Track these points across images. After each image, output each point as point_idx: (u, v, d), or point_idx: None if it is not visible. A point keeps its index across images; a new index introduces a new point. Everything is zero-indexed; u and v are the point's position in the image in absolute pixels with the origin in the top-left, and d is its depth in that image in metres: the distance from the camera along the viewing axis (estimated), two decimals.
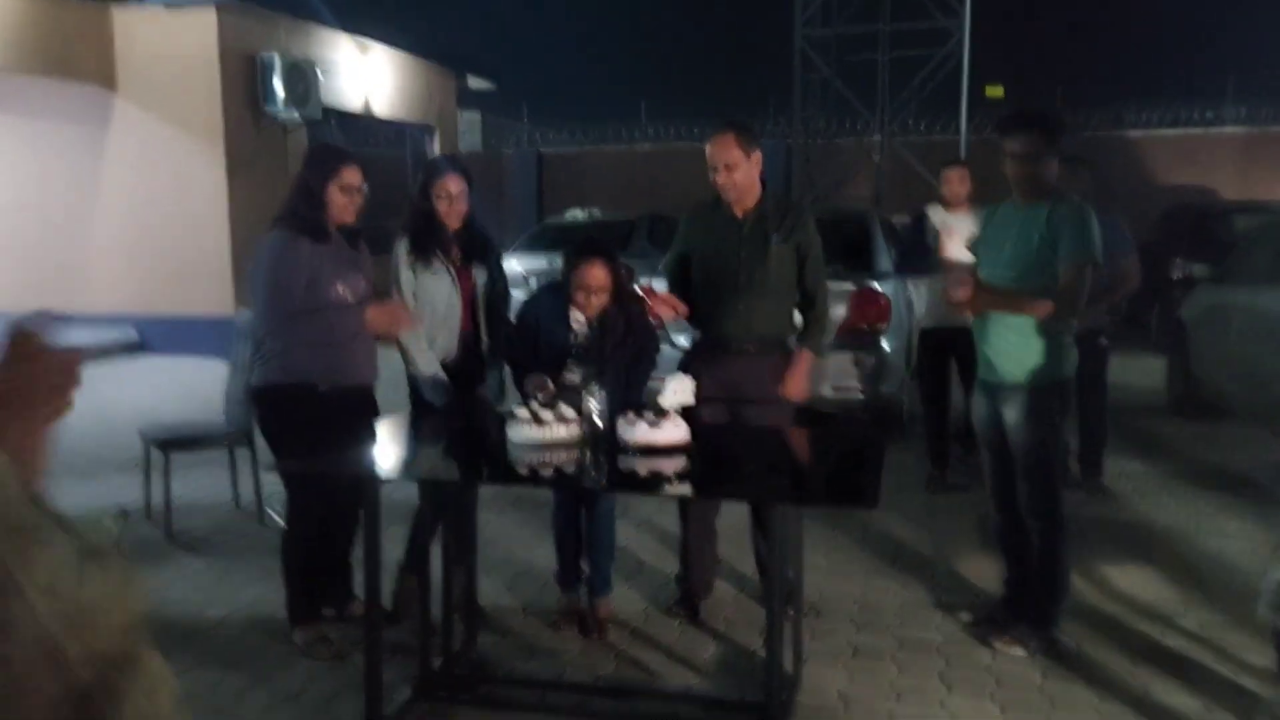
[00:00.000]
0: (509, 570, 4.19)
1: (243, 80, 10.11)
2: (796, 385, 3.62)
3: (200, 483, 5.37)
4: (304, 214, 3.26)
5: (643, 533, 4.68)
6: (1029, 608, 3.47)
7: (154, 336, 10.27)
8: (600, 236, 3.51)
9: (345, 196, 3.27)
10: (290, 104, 10.28)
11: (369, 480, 2.89)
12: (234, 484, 5.03)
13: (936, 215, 5.46)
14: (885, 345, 6.18)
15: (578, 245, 3.46)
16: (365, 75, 12.22)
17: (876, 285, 6.24)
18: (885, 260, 6.85)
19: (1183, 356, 7.30)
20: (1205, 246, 9.21)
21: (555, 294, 3.51)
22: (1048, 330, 3.32)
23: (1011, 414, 3.39)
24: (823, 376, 5.95)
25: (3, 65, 9.11)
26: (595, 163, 16.98)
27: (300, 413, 3.26)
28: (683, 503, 3.72)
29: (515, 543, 4.49)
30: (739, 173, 3.49)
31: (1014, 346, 3.37)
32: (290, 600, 3.43)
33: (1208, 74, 15.47)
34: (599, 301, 3.40)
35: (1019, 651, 3.40)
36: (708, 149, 3.53)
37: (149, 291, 10.09)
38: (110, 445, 6.23)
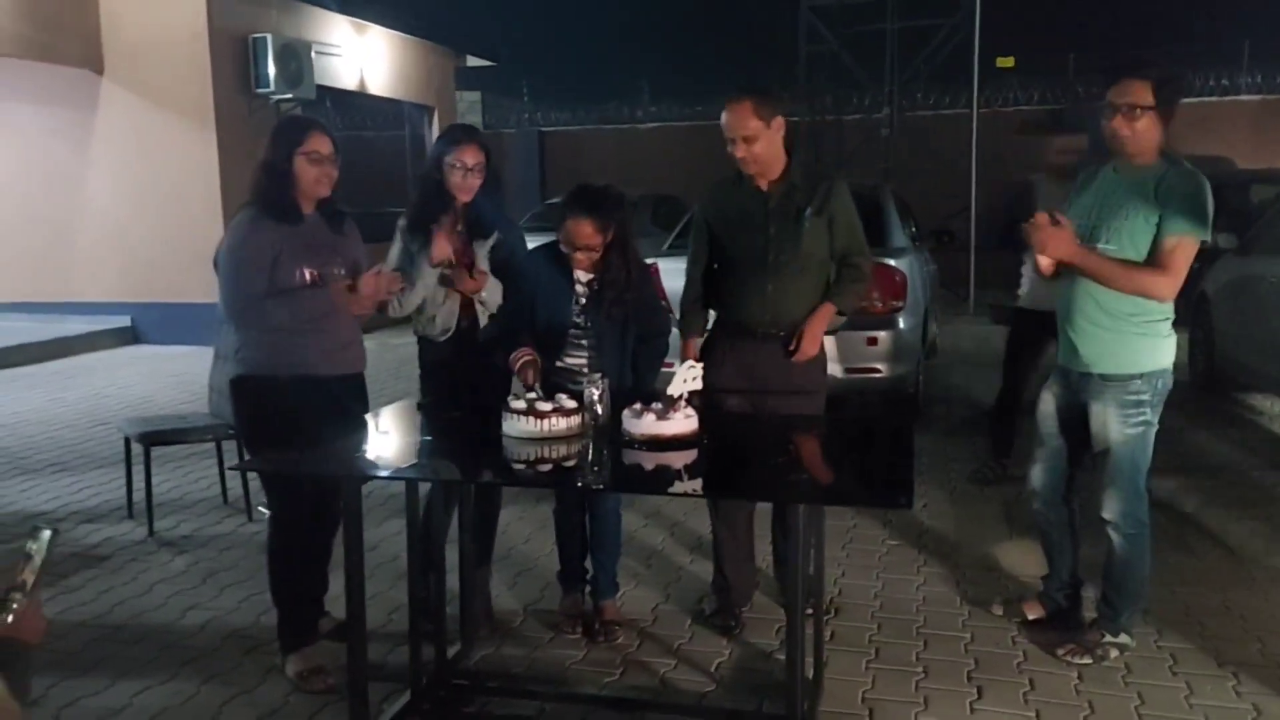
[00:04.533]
0: (510, 567, 3.96)
1: (234, 61, 9.86)
2: (810, 340, 3.25)
3: (187, 477, 5.16)
4: (271, 193, 2.98)
5: (653, 524, 4.46)
6: (1103, 611, 3.21)
7: (147, 325, 10.05)
8: (591, 189, 3.19)
9: (315, 167, 2.98)
10: (283, 85, 10.04)
11: (346, 479, 2.65)
12: (221, 478, 4.82)
13: (1044, 187, 4.88)
14: (901, 324, 5.94)
15: (565, 199, 3.20)
16: (361, 55, 11.94)
17: (892, 262, 5.98)
18: (900, 236, 6.59)
19: (1206, 331, 7.04)
20: (1224, 216, 8.90)
21: (552, 254, 3.25)
22: (1143, 313, 2.97)
23: (1098, 408, 3.07)
24: (835, 356, 5.71)
25: None
26: (598, 142, 16.66)
27: (263, 407, 3.00)
28: (713, 501, 3.45)
29: (517, 537, 4.26)
30: (759, 144, 3.16)
31: (1104, 331, 3.01)
32: (281, 623, 3.13)
33: (1222, 41, 15.06)
34: (590, 257, 3.16)
35: (1086, 660, 3.15)
36: (723, 119, 3.19)
37: (141, 278, 9.87)
38: (97, 439, 6.02)
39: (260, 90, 9.95)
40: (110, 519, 4.62)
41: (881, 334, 5.87)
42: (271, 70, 9.91)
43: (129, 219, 9.91)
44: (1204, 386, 6.98)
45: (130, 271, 9.97)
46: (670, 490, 2.94)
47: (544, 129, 17.15)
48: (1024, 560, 3.88)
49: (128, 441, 4.57)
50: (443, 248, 3.25)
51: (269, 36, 9.91)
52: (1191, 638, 3.32)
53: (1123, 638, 3.20)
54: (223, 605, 3.65)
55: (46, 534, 1.38)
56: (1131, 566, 3.16)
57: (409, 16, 12.69)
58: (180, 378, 8.00)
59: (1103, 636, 3.20)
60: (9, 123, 10.34)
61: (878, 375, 5.88)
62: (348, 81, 11.74)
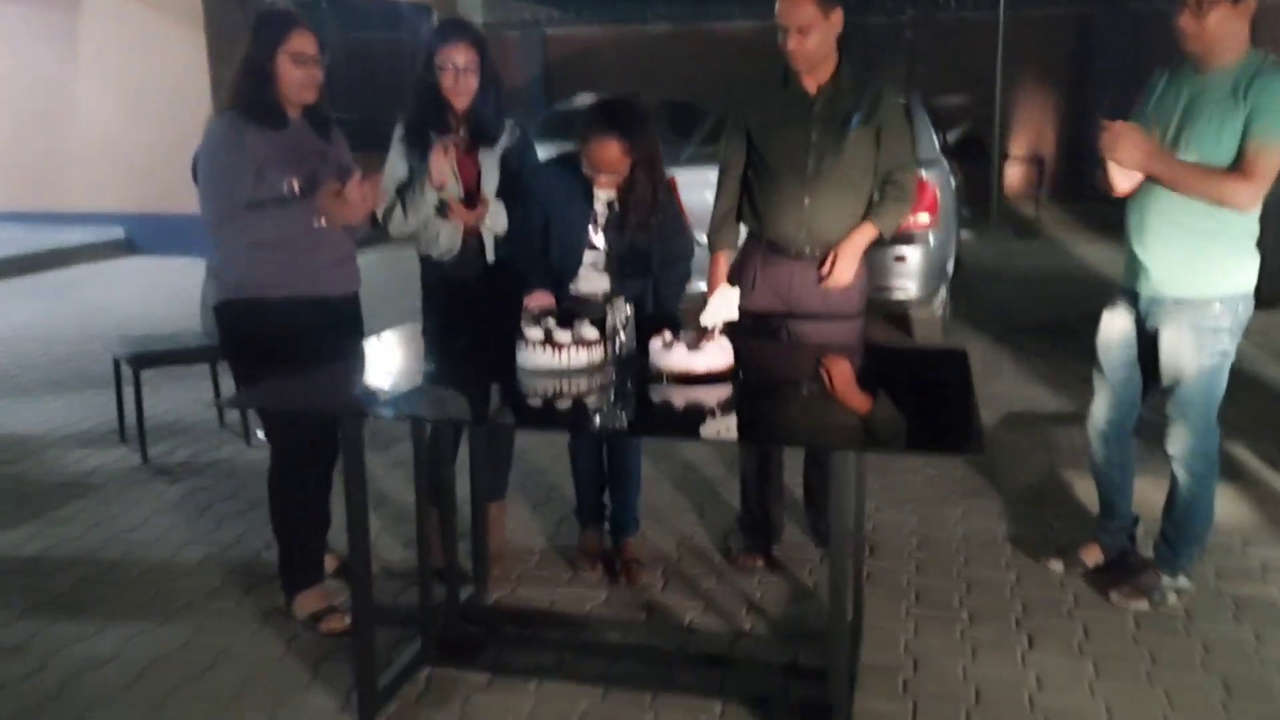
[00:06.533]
0: (527, 498, 3.75)
1: None
2: (846, 264, 2.96)
3: (184, 398, 4.93)
4: (252, 95, 2.68)
5: (677, 451, 4.21)
6: (1161, 551, 3.00)
7: (143, 235, 9.73)
8: (616, 104, 2.88)
9: (299, 68, 2.67)
10: None
11: (349, 415, 2.40)
12: (217, 400, 4.58)
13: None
14: (931, 240, 5.61)
15: (586, 116, 2.87)
16: None
17: (922, 174, 5.62)
18: (930, 146, 6.21)
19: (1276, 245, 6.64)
20: None
21: (568, 168, 2.93)
22: (1223, 228, 2.67)
23: (1170, 336, 2.79)
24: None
25: None
26: (606, 45, 15.99)
27: (251, 334, 2.75)
28: None
29: (535, 465, 4.03)
30: (814, 37, 2.82)
31: (1179, 248, 2.73)
32: (284, 561, 2.91)
33: None
34: (614, 179, 2.85)
35: (1142, 605, 2.95)
36: (778, 6, 2.84)
37: (135, 188, 9.51)
38: (91, 355, 5.78)
39: None
40: (102, 444, 4.40)
41: (910, 250, 5.56)
42: None
43: (120, 126, 9.50)
44: (1269, 304, 6.60)
45: (124, 180, 9.61)
46: (702, 435, 2.68)
47: (549, 31, 16.44)
48: (1063, 496, 3.66)
49: (117, 363, 4.33)
50: (441, 169, 2.93)
51: None
52: (1254, 582, 3.11)
53: (1181, 580, 3.00)
54: (221, 539, 3.45)
55: None
56: (1196, 506, 2.93)
57: None
58: (177, 290, 7.71)
59: (1160, 579, 2.99)
60: None
61: (906, 295, 5.59)
62: None
